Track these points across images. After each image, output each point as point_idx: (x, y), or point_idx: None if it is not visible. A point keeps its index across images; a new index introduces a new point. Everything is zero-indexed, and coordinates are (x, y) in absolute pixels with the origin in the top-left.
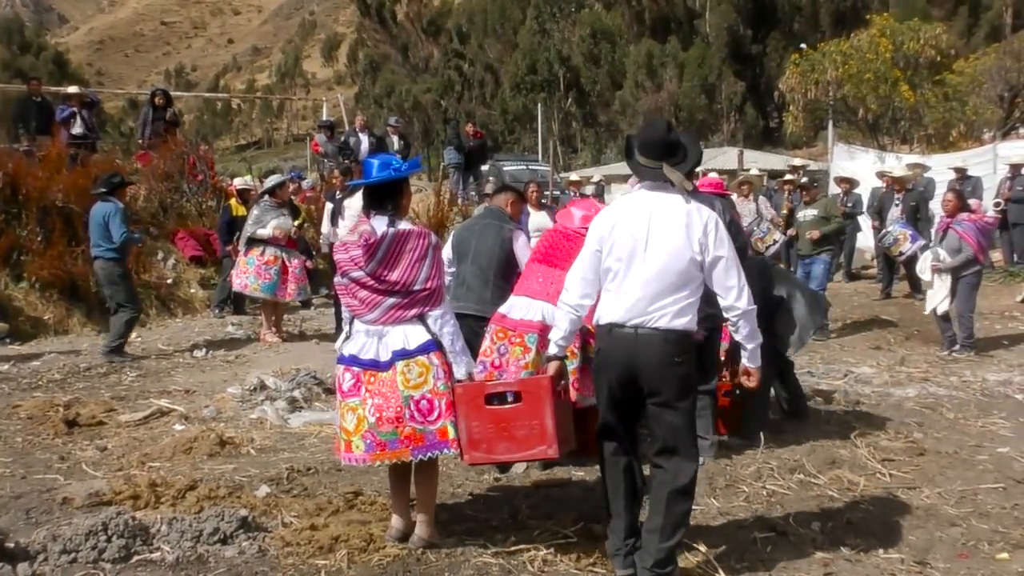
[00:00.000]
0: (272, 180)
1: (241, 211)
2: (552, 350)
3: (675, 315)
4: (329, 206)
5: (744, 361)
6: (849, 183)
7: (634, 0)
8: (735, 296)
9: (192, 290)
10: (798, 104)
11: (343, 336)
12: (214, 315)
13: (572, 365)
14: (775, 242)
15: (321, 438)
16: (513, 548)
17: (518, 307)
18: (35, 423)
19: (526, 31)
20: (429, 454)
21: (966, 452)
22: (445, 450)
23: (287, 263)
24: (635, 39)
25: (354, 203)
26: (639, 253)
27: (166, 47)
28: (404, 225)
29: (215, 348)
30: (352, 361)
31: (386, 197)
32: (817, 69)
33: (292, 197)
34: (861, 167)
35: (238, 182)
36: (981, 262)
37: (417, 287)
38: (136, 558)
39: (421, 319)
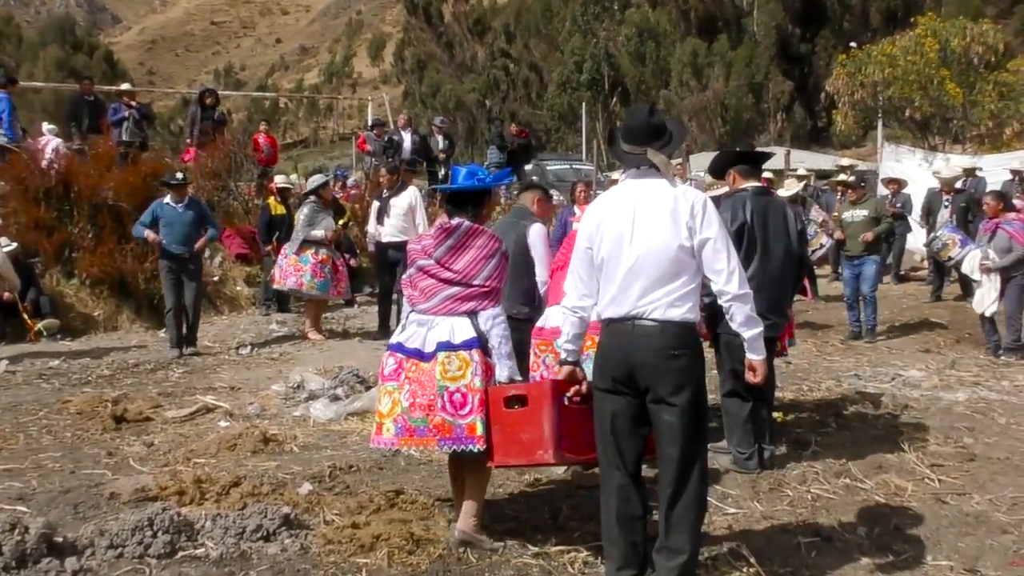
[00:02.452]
0: (315, 180)
1: (280, 210)
2: (561, 356)
3: (670, 305)
4: (376, 204)
5: (746, 354)
6: (897, 184)
7: None
8: (725, 279)
9: (238, 288)
10: (845, 104)
11: (399, 328)
12: (260, 314)
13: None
14: (822, 246)
15: (363, 436)
16: (553, 549)
17: (552, 316)
18: (84, 418)
19: (571, 30)
20: (455, 447)
21: (1018, 458)
22: (471, 446)
23: (336, 261)
24: (681, 38)
25: (400, 202)
26: (626, 246)
27: (216, 46)
28: (484, 228)
29: (260, 346)
30: (398, 348)
31: (468, 203)
32: (863, 71)
33: (336, 195)
34: (908, 167)
35: (279, 180)
36: None
37: (477, 282)
38: (181, 554)
39: (472, 316)
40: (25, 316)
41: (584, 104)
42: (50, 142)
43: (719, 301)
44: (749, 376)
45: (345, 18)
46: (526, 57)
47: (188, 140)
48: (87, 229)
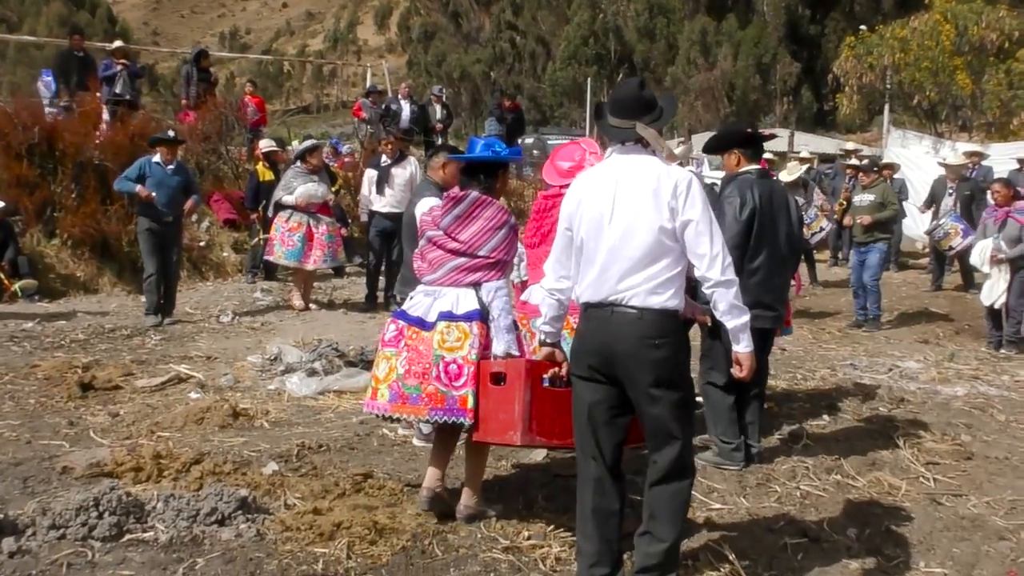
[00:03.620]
0: (303, 145)
1: (268, 175)
2: (539, 336)
3: (651, 292)
4: (370, 172)
5: (732, 346)
6: (891, 168)
7: None
8: (707, 265)
9: (224, 254)
10: (852, 87)
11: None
12: (246, 281)
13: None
14: (821, 229)
15: (338, 413)
16: (525, 543)
17: (535, 293)
18: (51, 384)
19: (580, 4)
20: (446, 418)
21: (1017, 458)
22: (462, 418)
23: (313, 229)
24: (690, 15)
25: (402, 172)
26: (605, 226)
27: (221, 9)
28: (493, 200)
29: (242, 314)
30: (401, 315)
31: (481, 175)
32: (874, 53)
33: (330, 163)
34: (914, 154)
35: (263, 144)
36: None
37: (482, 253)
38: (128, 536)
39: (477, 288)
40: (1, 276)
41: (589, 79)
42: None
43: (702, 288)
44: (735, 370)
45: None
46: (533, 30)
47: (185, 101)
48: (71, 188)
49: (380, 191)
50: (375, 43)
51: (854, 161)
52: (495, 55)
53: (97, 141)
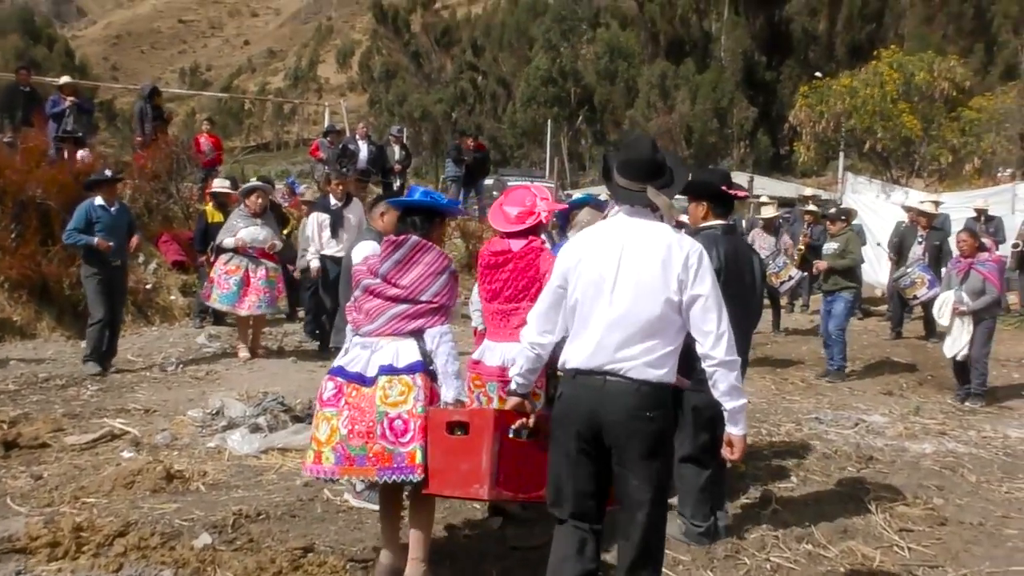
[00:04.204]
0: (244, 187)
1: (217, 217)
2: (511, 386)
3: (648, 365)
4: (321, 216)
5: (727, 427)
6: (849, 214)
7: (650, 21)
8: (712, 343)
9: (172, 297)
10: (808, 135)
11: (342, 351)
12: (193, 326)
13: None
14: (790, 278)
15: (281, 474)
16: None
17: (491, 352)
18: None
19: (540, 46)
20: (396, 477)
21: (992, 524)
22: (411, 476)
23: (250, 274)
24: (650, 60)
25: (352, 214)
26: (606, 292)
27: (182, 45)
28: (433, 244)
29: (186, 362)
30: (339, 372)
31: (417, 220)
32: (825, 102)
33: (283, 204)
34: (867, 199)
35: (216, 184)
36: (1000, 305)
37: (424, 298)
38: None
39: (418, 337)
40: None
41: (549, 121)
42: None
43: (703, 365)
44: (726, 452)
45: (315, 23)
46: (494, 71)
47: (139, 139)
48: (10, 228)
49: (335, 234)
50: (336, 81)
51: (812, 207)
52: (456, 95)
53: (40, 179)
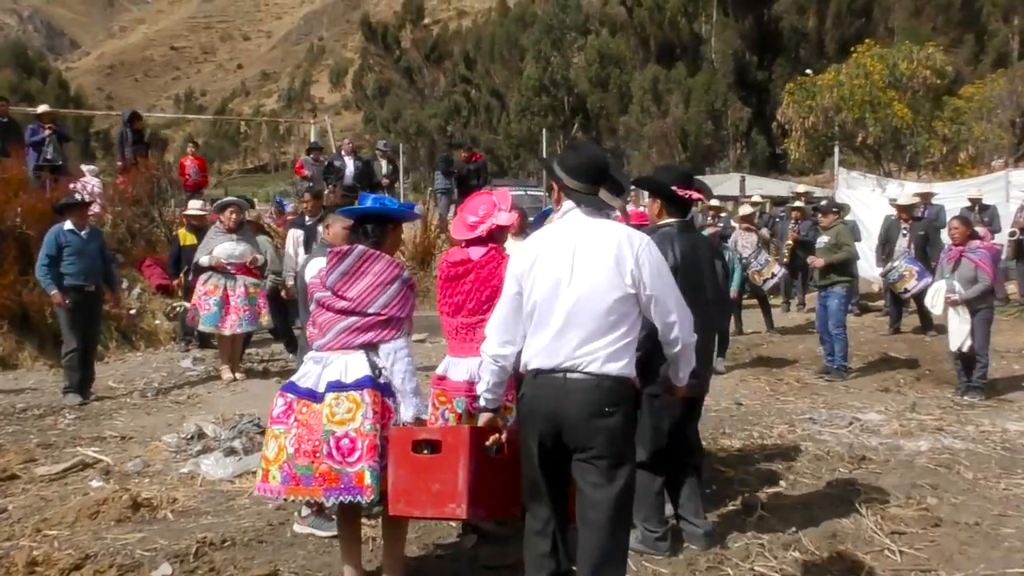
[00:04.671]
0: (217, 204)
1: (190, 239)
2: (480, 402)
3: (608, 358)
4: (295, 232)
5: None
6: (842, 209)
7: (639, 26)
8: (676, 330)
9: (156, 321)
10: (798, 132)
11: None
12: (178, 350)
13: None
14: (773, 275)
15: (254, 499)
16: None
17: (455, 366)
18: None
19: (531, 56)
20: (343, 498)
21: (989, 523)
22: (359, 497)
23: (229, 292)
24: (641, 65)
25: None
26: (563, 290)
27: (176, 72)
28: (382, 253)
29: (168, 387)
30: (290, 387)
31: (369, 229)
32: (813, 97)
33: (269, 222)
34: (861, 194)
35: (191, 206)
36: (995, 294)
37: (372, 310)
38: None
39: (369, 350)
40: None
41: (544, 130)
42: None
43: (668, 351)
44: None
45: (307, 44)
46: (487, 83)
47: (120, 163)
48: None
49: (308, 249)
50: (330, 101)
51: (799, 203)
52: (450, 109)
53: (19, 208)
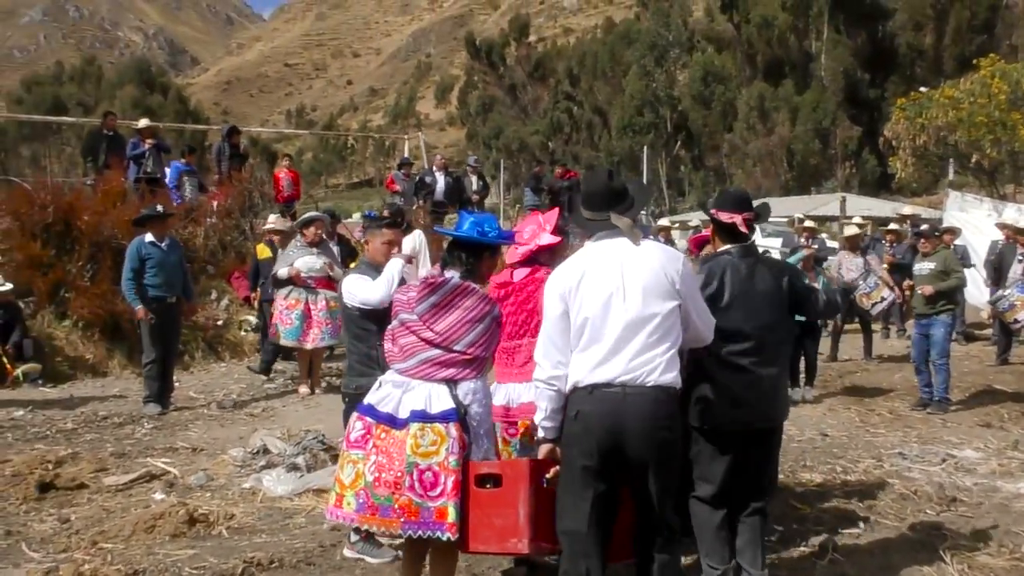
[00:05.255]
0: (302, 218)
1: (266, 253)
2: (539, 433)
3: (664, 369)
4: None
5: None
6: (952, 233)
7: (747, 43)
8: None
9: (243, 333)
10: (906, 150)
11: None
12: (256, 370)
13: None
14: (883, 299)
15: (311, 517)
16: None
17: (516, 392)
18: (14, 483)
19: (634, 74)
20: (420, 532)
21: None
22: (439, 533)
23: (311, 305)
24: (747, 82)
25: (403, 246)
26: (616, 303)
27: (288, 87)
28: (476, 287)
29: (246, 399)
30: (368, 411)
31: (464, 256)
32: (925, 114)
33: (351, 237)
34: (975, 217)
35: (271, 220)
36: None
37: (458, 347)
38: None
39: (451, 384)
40: (4, 360)
41: (645, 148)
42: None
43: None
44: None
45: (414, 61)
46: (590, 100)
47: (216, 176)
48: (86, 268)
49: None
50: (436, 117)
51: (893, 226)
52: (552, 126)
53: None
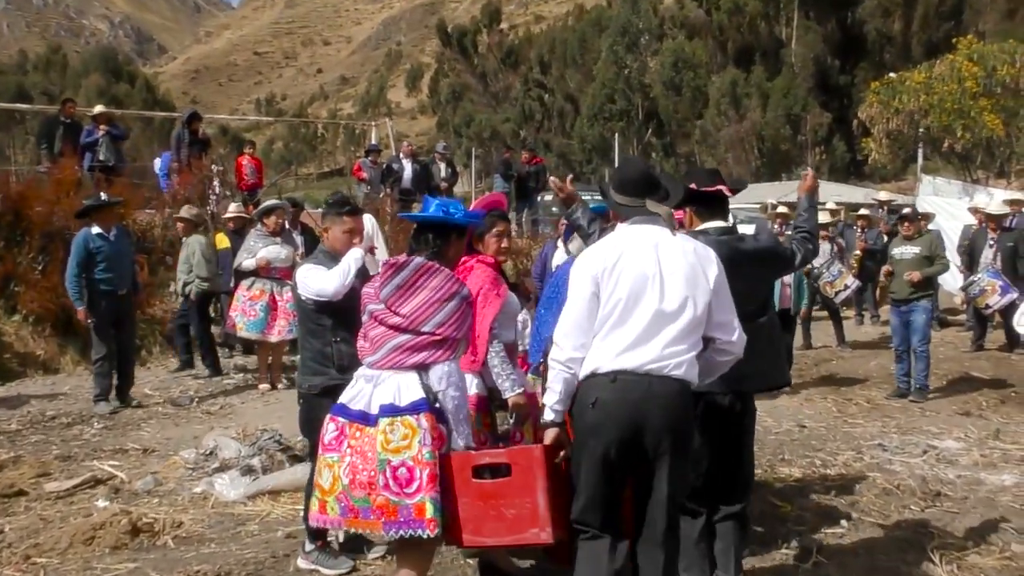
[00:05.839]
0: (261, 207)
1: (225, 243)
2: (548, 416)
3: (689, 364)
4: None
5: None
6: (926, 218)
7: (718, 29)
8: (737, 334)
9: None
10: (879, 133)
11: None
12: (223, 356)
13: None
14: (846, 287)
15: (264, 524)
16: None
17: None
18: None
19: (605, 61)
20: (403, 532)
21: None
22: (420, 531)
23: (276, 297)
24: (718, 69)
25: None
26: (651, 288)
27: (258, 76)
28: (442, 267)
29: (203, 396)
30: (341, 411)
31: (430, 238)
32: (898, 99)
33: (316, 226)
34: (947, 202)
35: (231, 209)
36: None
37: (426, 328)
38: None
39: (421, 371)
40: None
41: (616, 135)
42: None
43: (719, 358)
44: None
45: (385, 49)
46: (561, 87)
47: (175, 164)
48: (37, 260)
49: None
50: (407, 105)
51: (864, 212)
52: (524, 114)
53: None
